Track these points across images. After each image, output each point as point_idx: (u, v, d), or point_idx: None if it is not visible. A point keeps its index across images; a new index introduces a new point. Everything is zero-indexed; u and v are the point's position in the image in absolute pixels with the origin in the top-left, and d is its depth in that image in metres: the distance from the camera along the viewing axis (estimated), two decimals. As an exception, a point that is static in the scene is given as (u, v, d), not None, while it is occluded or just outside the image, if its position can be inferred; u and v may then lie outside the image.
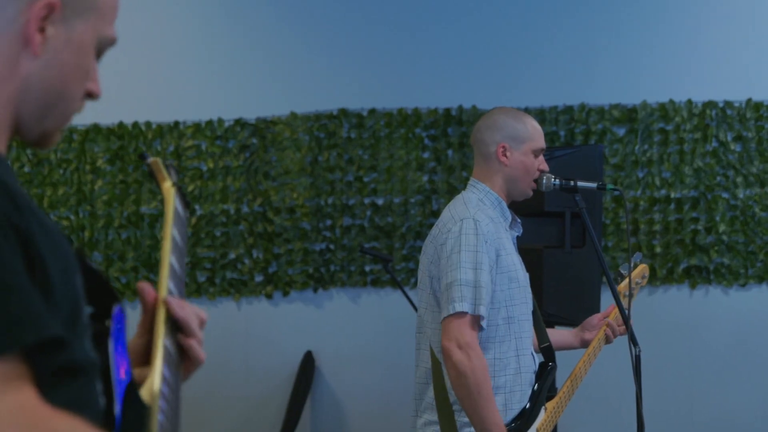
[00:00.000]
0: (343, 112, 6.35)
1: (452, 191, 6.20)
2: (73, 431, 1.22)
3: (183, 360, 1.56)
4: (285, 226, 6.42)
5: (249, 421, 6.30)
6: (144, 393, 1.43)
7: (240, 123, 6.36)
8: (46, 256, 1.26)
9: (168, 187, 1.65)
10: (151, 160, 1.66)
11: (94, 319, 1.41)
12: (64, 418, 1.22)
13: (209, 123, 6.36)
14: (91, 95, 1.45)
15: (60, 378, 1.28)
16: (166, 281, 1.51)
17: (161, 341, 1.47)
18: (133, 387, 1.44)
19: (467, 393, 3.17)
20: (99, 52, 1.45)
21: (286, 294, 6.38)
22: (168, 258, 1.55)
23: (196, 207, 6.42)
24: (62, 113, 1.43)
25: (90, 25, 1.42)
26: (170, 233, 1.58)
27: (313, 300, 6.46)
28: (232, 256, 6.35)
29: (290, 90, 6.51)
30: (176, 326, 1.52)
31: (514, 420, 3.32)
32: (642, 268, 3.88)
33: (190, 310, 1.53)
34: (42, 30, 1.36)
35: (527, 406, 3.37)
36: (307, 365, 6.32)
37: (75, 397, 1.31)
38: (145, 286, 1.53)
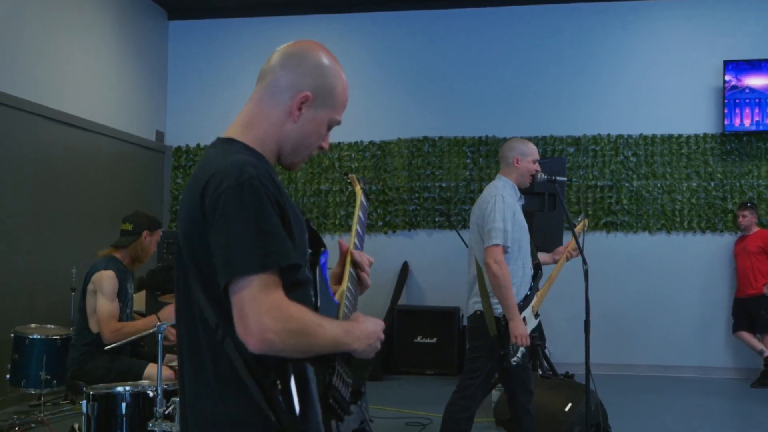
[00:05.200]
0: (425, 138, 8.06)
1: (482, 181, 7.79)
2: (302, 313, 1.49)
3: (359, 284, 1.89)
4: (394, 197, 8.05)
5: (376, 294, 7.62)
6: (337, 296, 1.78)
7: (372, 143, 8.13)
8: (292, 222, 1.58)
9: (358, 189, 2.07)
10: (350, 176, 2.13)
11: (312, 256, 1.71)
12: (298, 306, 1.49)
13: (356, 143, 8.12)
14: (321, 148, 1.75)
15: (294, 287, 1.55)
16: (353, 240, 1.88)
17: (347, 271, 1.84)
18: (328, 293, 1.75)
19: (498, 285, 3.62)
20: (329, 127, 1.74)
21: (394, 231, 8.03)
22: (355, 228, 1.91)
23: (348, 186, 7.95)
24: (302, 155, 1.73)
25: (327, 112, 1.71)
26: (357, 214, 1.97)
27: (408, 235, 8.05)
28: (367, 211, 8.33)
29: (397, 125, 8.10)
30: (356, 264, 1.87)
31: (520, 302, 3.76)
32: (584, 222, 4.35)
33: (364, 257, 1.89)
34: (299, 109, 1.67)
35: (528, 293, 3.85)
36: (405, 269, 7.97)
37: (302, 297, 1.58)
38: (342, 242, 1.89)
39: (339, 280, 1.87)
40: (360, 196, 2.04)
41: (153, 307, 6.00)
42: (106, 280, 3.96)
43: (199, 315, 1.56)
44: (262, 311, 1.43)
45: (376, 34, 8.24)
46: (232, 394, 1.53)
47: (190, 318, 1.59)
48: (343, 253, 1.89)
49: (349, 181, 1.89)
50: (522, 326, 3.64)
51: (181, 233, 1.60)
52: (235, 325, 1.45)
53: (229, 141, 1.66)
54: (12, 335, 5.18)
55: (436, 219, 8.02)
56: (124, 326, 3.89)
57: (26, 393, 5.56)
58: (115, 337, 3.65)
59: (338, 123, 1.74)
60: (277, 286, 1.47)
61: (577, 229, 4.08)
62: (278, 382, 1.51)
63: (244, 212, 1.46)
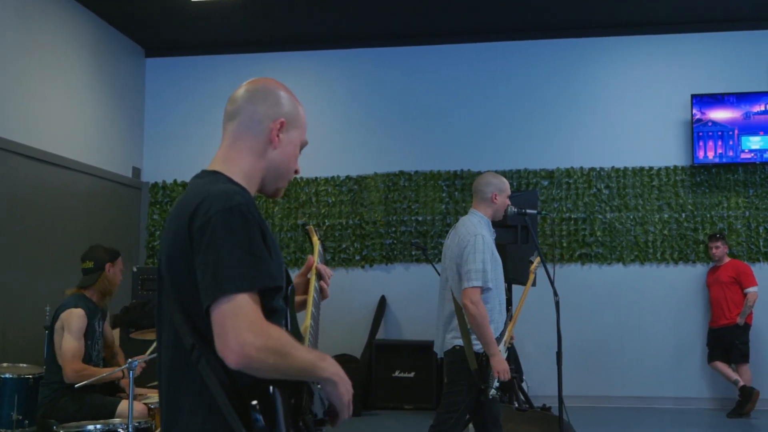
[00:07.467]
0: (401, 172, 8.10)
1: (458, 214, 7.78)
2: (280, 333, 1.54)
3: (322, 293, 2.00)
4: (370, 231, 8.06)
5: (354, 329, 7.75)
6: (301, 329, 1.83)
7: (348, 178, 8.15)
8: (273, 253, 1.63)
9: (315, 240, 2.15)
10: (308, 226, 2.21)
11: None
12: (277, 327, 1.55)
13: (333, 177, 8.13)
14: (296, 172, 1.84)
15: (269, 314, 1.57)
16: (315, 261, 2.05)
17: (312, 285, 1.95)
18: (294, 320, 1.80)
19: (477, 324, 3.62)
20: (300, 149, 1.84)
21: (371, 266, 8.03)
22: (315, 266, 2.05)
23: (326, 221, 8.03)
24: (285, 180, 1.81)
25: (298, 133, 1.81)
26: (316, 261, 2.05)
27: (385, 269, 8.03)
28: (344, 246, 8.05)
29: (373, 160, 8.16)
30: (319, 275, 2.00)
31: (497, 337, 3.77)
32: (538, 259, 4.42)
33: (327, 269, 2.05)
34: (278, 135, 1.76)
35: (503, 329, 3.87)
36: (382, 303, 7.94)
37: (275, 323, 1.59)
38: (310, 257, 2.06)
39: (302, 290, 1.99)
40: (317, 247, 2.10)
41: (126, 344, 5.94)
42: (74, 318, 3.93)
43: (176, 336, 1.58)
44: (243, 327, 1.45)
45: (352, 71, 8.31)
46: (203, 410, 1.56)
47: (168, 339, 1.62)
48: (309, 264, 2.00)
49: (304, 230, 2.30)
50: (503, 362, 3.66)
51: (163, 256, 1.62)
52: (215, 341, 1.47)
53: (214, 173, 1.72)
54: (-17, 375, 5.06)
55: (413, 253, 8.01)
56: (87, 368, 3.84)
57: (-3, 434, 5.41)
58: (77, 378, 3.62)
59: (306, 144, 1.84)
60: (258, 304, 1.51)
61: (532, 267, 4.18)
62: (254, 402, 1.52)
63: (233, 235, 1.50)
